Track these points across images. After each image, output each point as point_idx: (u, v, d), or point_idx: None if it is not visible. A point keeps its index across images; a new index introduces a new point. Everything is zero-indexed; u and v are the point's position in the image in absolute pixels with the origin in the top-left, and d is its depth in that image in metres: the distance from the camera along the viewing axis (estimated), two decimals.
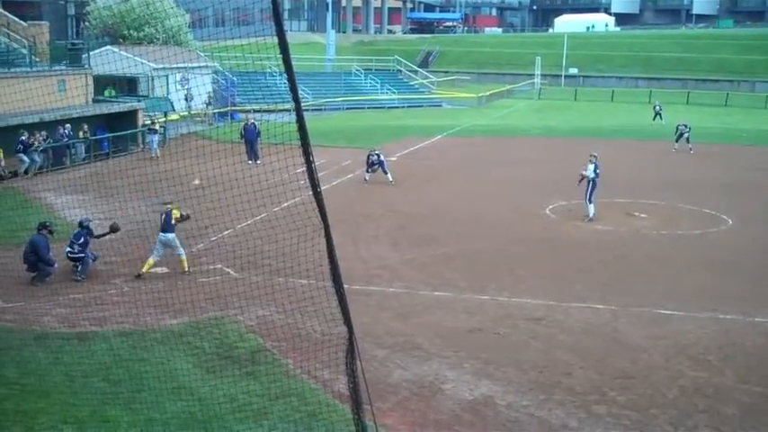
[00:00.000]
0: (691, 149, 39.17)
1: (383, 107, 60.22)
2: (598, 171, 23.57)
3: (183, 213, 17.18)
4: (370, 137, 41.78)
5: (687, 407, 11.37)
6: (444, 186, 28.92)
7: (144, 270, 16.73)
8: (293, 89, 7.48)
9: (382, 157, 29.46)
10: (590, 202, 23.57)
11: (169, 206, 16.99)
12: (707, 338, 14.10)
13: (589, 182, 23.49)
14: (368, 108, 59.13)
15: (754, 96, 75.68)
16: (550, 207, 25.08)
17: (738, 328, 14.66)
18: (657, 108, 53.30)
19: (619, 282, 17.52)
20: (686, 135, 40.26)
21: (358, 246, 19.91)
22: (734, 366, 12.85)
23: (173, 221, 16.87)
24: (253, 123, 32.46)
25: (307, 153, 7.57)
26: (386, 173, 28.99)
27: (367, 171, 29.18)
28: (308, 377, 11.72)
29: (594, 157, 23.94)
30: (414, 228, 22.24)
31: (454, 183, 29.73)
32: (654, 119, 51.77)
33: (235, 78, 49.86)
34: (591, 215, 23.35)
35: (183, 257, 17.07)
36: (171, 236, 16.93)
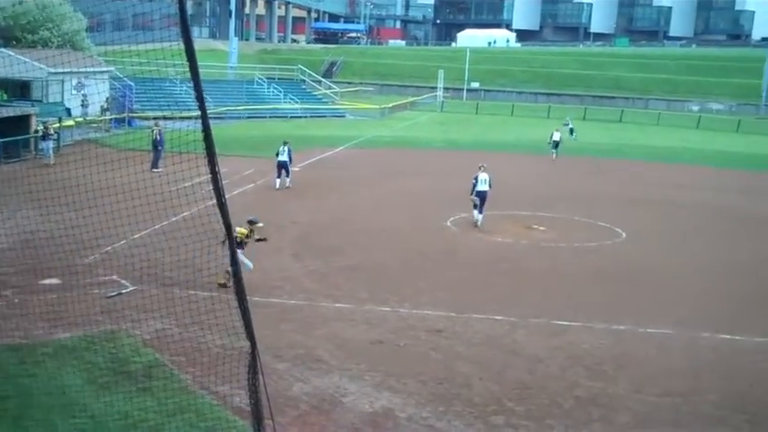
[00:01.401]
0: (555, 156, 42.66)
1: (286, 116, 59.97)
2: (491, 181, 24.61)
3: (258, 236, 17.28)
4: (272, 146, 41.32)
5: (582, 416, 11.66)
6: (347, 197, 28.96)
7: (222, 281, 16.20)
8: (200, 98, 7.37)
9: (287, 154, 29.75)
10: (480, 212, 24.41)
11: (242, 228, 16.80)
12: (602, 349, 14.50)
13: (474, 192, 24.33)
14: (270, 117, 58.79)
15: (648, 113, 78.49)
16: (452, 219, 25.40)
17: (632, 339, 15.12)
18: (569, 125, 54.33)
19: (518, 293, 17.85)
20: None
21: (259, 257, 19.68)
22: (628, 376, 13.24)
23: (241, 239, 16.64)
24: (160, 131, 32.01)
25: (212, 163, 7.46)
26: (287, 175, 29.67)
27: (278, 176, 29.76)
28: (206, 392, 11.52)
29: (485, 166, 24.86)
30: (316, 239, 22.18)
31: (357, 193, 29.81)
32: (571, 134, 52.41)
33: (133, 84, 48.84)
34: (478, 221, 24.29)
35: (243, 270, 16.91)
36: (240, 253, 16.74)
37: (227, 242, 16.26)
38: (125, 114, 45.93)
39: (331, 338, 14.37)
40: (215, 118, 51.55)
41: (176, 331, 13.77)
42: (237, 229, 16.61)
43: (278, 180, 29.87)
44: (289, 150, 30.00)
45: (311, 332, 14.68)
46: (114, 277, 17.00)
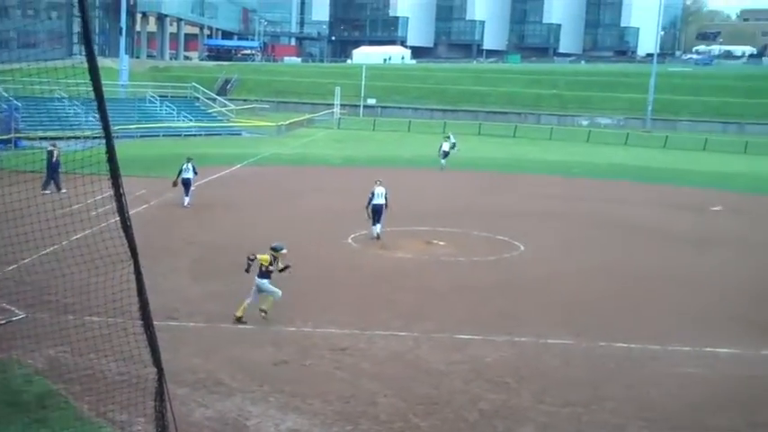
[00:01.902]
0: (445, 165, 44.84)
1: (180, 135, 59.03)
2: (388, 196, 25.21)
3: (283, 265, 16.67)
4: (166, 165, 40.68)
5: (487, 429, 11.80)
6: (246, 216, 28.67)
7: (240, 314, 16.14)
8: (104, 117, 7.18)
9: (193, 171, 29.80)
10: (377, 224, 24.98)
11: (265, 255, 16.44)
12: (504, 361, 14.73)
13: (371, 206, 24.96)
14: (164, 136, 57.76)
15: (540, 128, 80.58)
16: (353, 236, 25.43)
17: (533, 350, 15.42)
18: (451, 140, 55.54)
19: (420, 308, 17.98)
20: (450, 150, 45.99)
21: (156, 279, 19.20)
22: (530, 387, 13.48)
23: (266, 268, 16.32)
24: (55, 151, 31.05)
25: (117, 185, 7.27)
26: (188, 193, 29.60)
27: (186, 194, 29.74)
28: (105, 421, 11.15)
29: (380, 181, 25.61)
30: (215, 259, 21.85)
31: (255, 212, 29.54)
32: (453, 148, 53.44)
33: (19, 104, 47.23)
34: (375, 234, 24.88)
35: (274, 299, 16.47)
36: (265, 281, 16.34)
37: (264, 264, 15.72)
38: (11, 135, 44.36)
39: (233, 361, 14.15)
40: (103, 137, 50.21)
41: (71, 359, 13.31)
42: (259, 256, 16.28)
43: (186, 198, 29.87)
44: (194, 167, 30.04)
45: (212, 355, 14.42)
46: (4, 305, 16.33)
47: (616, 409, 12.71)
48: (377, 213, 25.12)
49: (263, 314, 16.29)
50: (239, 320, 16.15)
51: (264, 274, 16.38)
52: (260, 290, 16.49)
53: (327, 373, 13.78)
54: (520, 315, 17.77)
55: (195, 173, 30.20)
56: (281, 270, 16.67)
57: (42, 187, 27.63)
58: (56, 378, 12.47)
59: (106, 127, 7.27)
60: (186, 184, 29.92)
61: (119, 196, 7.49)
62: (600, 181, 44.00)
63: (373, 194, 25.21)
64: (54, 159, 30.56)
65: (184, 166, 29.96)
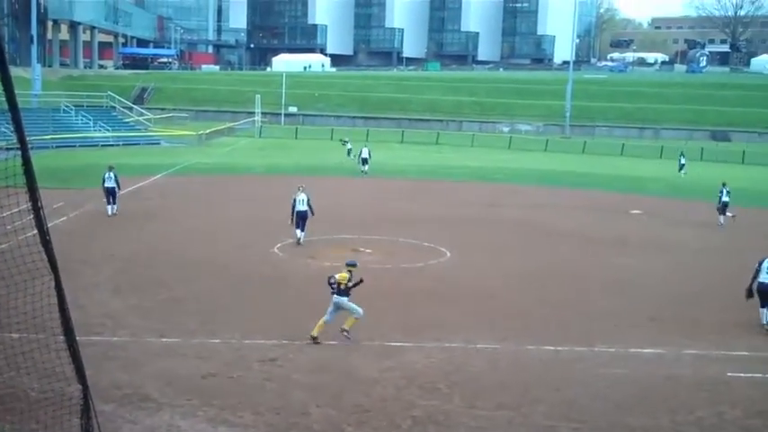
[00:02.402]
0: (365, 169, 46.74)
1: (97, 145, 57.93)
2: (311, 202, 25.77)
3: (354, 281, 16.16)
4: (83, 176, 39.94)
5: None
6: (168, 227, 28.23)
7: (316, 333, 15.68)
8: (18, 128, 6.95)
9: (115, 179, 29.87)
10: (301, 230, 25.59)
11: (343, 273, 16.07)
12: (435, 367, 14.79)
13: (294, 212, 25.61)
14: (80, 146, 56.60)
15: (462, 135, 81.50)
16: (278, 245, 25.28)
17: (462, 355, 15.52)
18: (348, 144, 57.29)
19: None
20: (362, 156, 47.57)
21: (76, 294, 18.75)
22: (461, 392, 13.56)
23: (345, 286, 15.94)
24: None
25: (34, 199, 7.05)
26: (114, 201, 29.82)
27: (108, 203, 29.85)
28: None
29: (303, 187, 26.21)
30: (137, 271, 21.44)
31: (178, 223, 29.12)
32: (348, 155, 54.57)
33: None
34: (300, 239, 25.45)
35: (356, 317, 16.01)
36: (345, 299, 15.89)
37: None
38: None
39: (160, 375, 13.87)
40: (20, 148, 48.96)
41: None
42: (338, 276, 15.95)
43: (109, 207, 29.89)
44: (115, 176, 30.07)
45: (138, 370, 14.11)
46: None
47: (547, 411, 12.88)
48: (300, 219, 25.51)
49: (345, 334, 15.87)
50: (315, 341, 15.74)
51: (343, 292, 16.05)
52: (339, 308, 16.11)
53: (257, 385, 13.62)
54: (448, 321, 17.89)
55: (117, 183, 30.12)
56: (355, 285, 16.27)
57: None
58: None
59: (21, 137, 7.03)
60: (111, 192, 29.95)
61: (36, 209, 7.24)
62: (522, 186, 44.69)
63: (295, 201, 25.60)
64: None
65: (106, 175, 30.02)
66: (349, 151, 56.47)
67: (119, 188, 30.34)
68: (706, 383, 14.41)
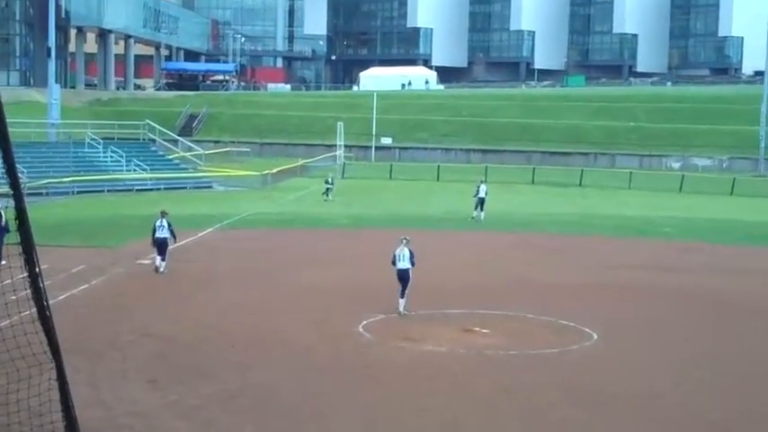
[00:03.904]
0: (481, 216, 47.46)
1: (130, 189, 59.53)
2: (414, 259, 26.04)
3: None
4: (112, 231, 41.02)
5: None
6: (221, 297, 28.60)
7: None
8: (11, 171, 7.14)
9: (168, 228, 31.45)
10: (402, 296, 25.84)
11: None
12: None
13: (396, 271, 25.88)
14: (109, 191, 58.26)
15: (615, 173, 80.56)
16: (364, 323, 25.29)
17: None
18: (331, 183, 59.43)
19: (457, 420, 17.73)
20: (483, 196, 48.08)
21: (98, 386, 19.17)
22: None
23: None
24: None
25: (31, 262, 7.20)
26: (164, 257, 31.47)
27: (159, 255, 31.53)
28: None
29: (407, 240, 26.51)
30: (177, 357, 21.73)
31: (235, 292, 29.48)
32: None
33: None
34: (402, 310, 25.83)
35: None
36: None
37: None
38: None
39: None
40: (32, 194, 50.70)
41: None
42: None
43: (162, 262, 31.55)
44: (169, 224, 31.44)
45: None
46: None
47: None
48: (401, 281, 25.96)
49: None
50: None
51: None
52: None
53: None
54: (595, 430, 17.52)
55: (172, 233, 31.68)
56: None
57: None
58: None
59: (14, 182, 7.14)
60: (161, 244, 31.31)
61: (34, 276, 7.35)
62: (699, 244, 43.79)
63: (396, 257, 26.13)
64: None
65: (158, 223, 31.36)
66: (327, 191, 57.70)
67: (174, 239, 31.97)
68: None
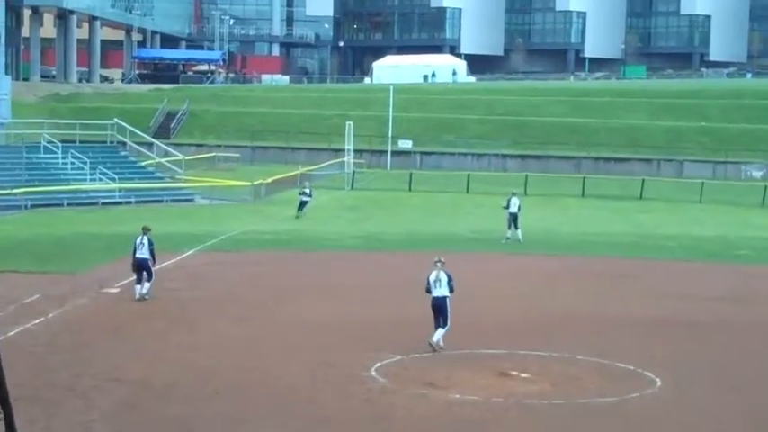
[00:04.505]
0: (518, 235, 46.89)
1: (95, 203, 59.66)
2: (453, 283, 26.23)
3: None
4: (72, 254, 41.06)
5: None
6: (201, 333, 28.62)
7: None
8: None
9: (148, 247, 32.12)
10: (442, 327, 26.05)
11: None
12: None
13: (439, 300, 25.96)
14: (69, 205, 58.31)
15: (683, 183, 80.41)
16: (378, 365, 25.26)
17: None
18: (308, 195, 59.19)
19: None
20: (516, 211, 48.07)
21: None
22: None
23: None
24: None
25: None
26: (149, 278, 32.10)
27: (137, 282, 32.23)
28: None
29: (442, 262, 26.63)
30: (151, 406, 21.74)
31: (218, 327, 29.50)
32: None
33: None
34: (436, 341, 26.03)
35: None
36: None
37: None
38: None
39: None
40: None
41: None
42: None
43: (138, 287, 32.04)
44: (150, 242, 32.15)
45: None
46: None
47: None
48: (438, 311, 26.11)
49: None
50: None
51: None
52: None
53: None
54: None
55: (152, 253, 32.33)
56: None
57: None
58: None
59: None
60: (140, 265, 32.05)
61: None
62: None
63: (430, 283, 26.33)
64: None
65: (138, 240, 32.08)
66: (302, 204, 57.19)
67: (153, 261, 32.44)
68: None
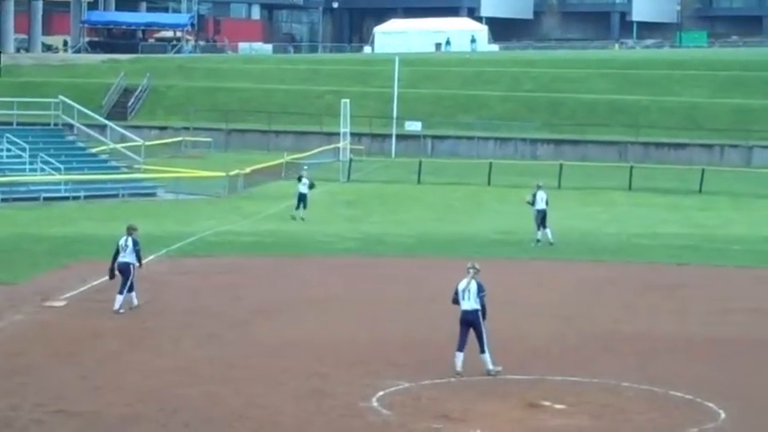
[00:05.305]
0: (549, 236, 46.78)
1: (36, 198, 59.72)
2: (483, 296, 26.32)
3: None
4: (9, 260, 41.13)
5: None
6: (165, 355, 28.69)
7: None
8: None
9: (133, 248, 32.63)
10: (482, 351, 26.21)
11: None
12: None
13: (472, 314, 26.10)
14: (4, 201, 58.39)
15: (751, 174, 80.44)
16: (380, 394, 25.31)
17: None
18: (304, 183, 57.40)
19: None
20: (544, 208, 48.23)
21: None
22: None
23: None
24: None
25: None
26: (130, 289, 32.62)
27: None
28: None
29: (475, 269, 26.65)
30: None
31: (186, 348, 29.59)
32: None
33: None
34: (492, 368, 26.22)
35: None
36: None
37: None
38: None
39: None
40: None
41: None
42: None
43: (120, 296, 32.41)
44: (135, 243, 32.64)
45: None
46: None
47: None
48: (466, 326, 26.17)
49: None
50: None
51: None
52: None
53: None
54: None
55: (138, 256, 32.94)
56: None
57: None
58: None
59: None
60: (122, 271, 32.40)
61: None
62: None
63: (459, 293, 26.29)
64: None
65: (122, 242, 32.57)
66: (301, 199, 55.92)
67: (139, 264, 33.02)
68: None
